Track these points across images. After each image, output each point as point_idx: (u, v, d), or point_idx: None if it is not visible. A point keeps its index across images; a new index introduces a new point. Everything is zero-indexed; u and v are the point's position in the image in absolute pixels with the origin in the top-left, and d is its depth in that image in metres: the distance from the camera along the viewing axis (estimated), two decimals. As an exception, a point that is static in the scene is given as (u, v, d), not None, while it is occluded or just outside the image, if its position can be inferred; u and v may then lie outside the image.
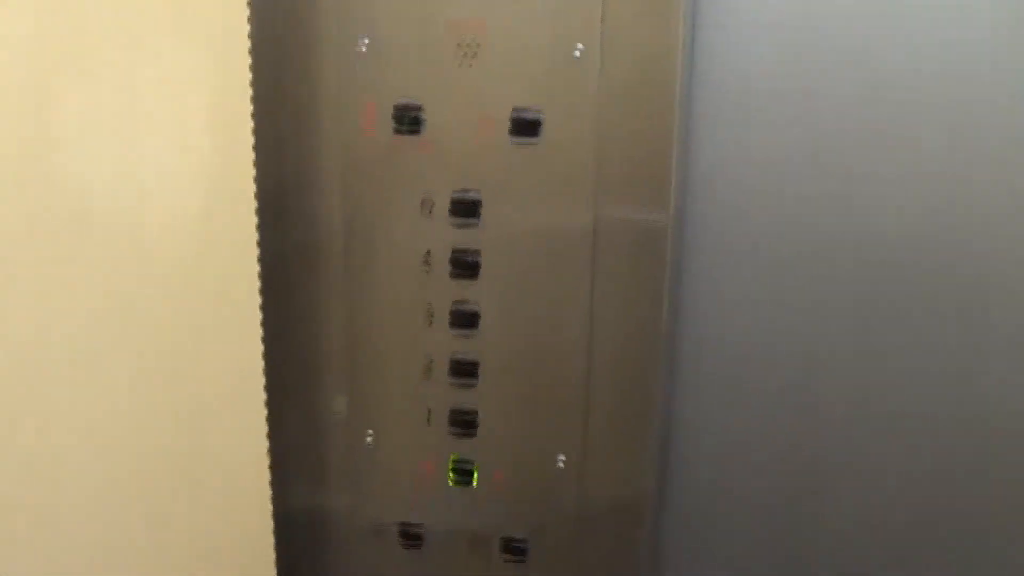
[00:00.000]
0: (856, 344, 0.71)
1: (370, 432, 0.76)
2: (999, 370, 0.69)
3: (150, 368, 0.63)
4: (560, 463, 0.73)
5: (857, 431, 0.73)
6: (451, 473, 0.75)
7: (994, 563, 0.74)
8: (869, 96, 0.67)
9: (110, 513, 0.60)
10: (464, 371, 0.73)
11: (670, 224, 0.69)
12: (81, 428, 0.57)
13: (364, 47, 0.70)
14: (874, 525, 0.74)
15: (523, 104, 0.68)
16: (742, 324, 0.73)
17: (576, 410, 0.73)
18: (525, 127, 0.68)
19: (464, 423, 0.73)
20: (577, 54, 0.67)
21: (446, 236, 0.71)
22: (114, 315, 0.59)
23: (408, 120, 0.70)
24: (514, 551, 0.75)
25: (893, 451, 0.72)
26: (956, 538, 0.73)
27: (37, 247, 0.53)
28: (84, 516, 0.58)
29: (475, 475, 0.75)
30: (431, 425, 0.74)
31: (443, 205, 0.71)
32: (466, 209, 0.70)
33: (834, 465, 0.74)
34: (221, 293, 0.69)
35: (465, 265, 0.71)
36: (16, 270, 0.52)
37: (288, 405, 0.76)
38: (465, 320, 0.72)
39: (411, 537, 0.77)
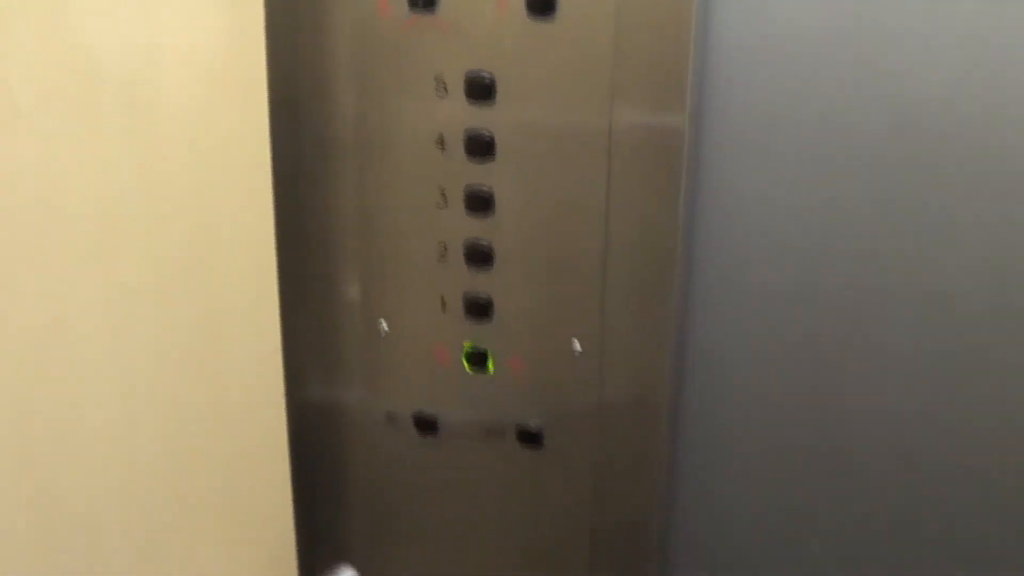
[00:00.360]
0: (881, 236, 0.71)
1: (383, 320, 0.75)
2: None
3: (159, 256, 0.62)
4: (576, 350, 0.73)
5: (881, 320, 0.72)
6: (466, 360, 0.74)
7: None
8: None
9: (119, 390, 0.60)
10: (479, 256, 0.72)
11: (688, 110, 0.68)
12: (88, 298, 0.56)
13: (376, -75, 0.69)
14: (900, 419, 0.74)
15: (539, -20, 0.67)
16: (761, 216, 0.72)
17: (593, 298, 0.72)
18: (540, 4, 0.67)
19: (479, 309, 0.73)
20: (594, -71, 0.66)
21: (461, 117, 0.70)
22: (122, 199, 0.58)
23: (423, -2, 0.68)
24: (530, 439, 0.75)
25: (922, 343, 0.72)
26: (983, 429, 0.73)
27: (46, 117, 0.52)
28: (92, 391, 0.58)
29: (490, 362, 0.74)
30: (446, 311, 0.74)
31: (458, 86, 0.69)
32: (481, 90, 0.69)
33: (857, 358, 0.73)
34: (233, 181, 0.68)
35: (480, 147, 0.70)
36: (26, 136, 0.51)
37: (301, 292, 0.75)
38: (480, 203, 0.71)
39: (426, 425, 0.76)
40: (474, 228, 0.72)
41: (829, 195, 0.71)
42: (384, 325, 0.75)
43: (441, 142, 0.71)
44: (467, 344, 0.74)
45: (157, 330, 0.62)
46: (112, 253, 0.57)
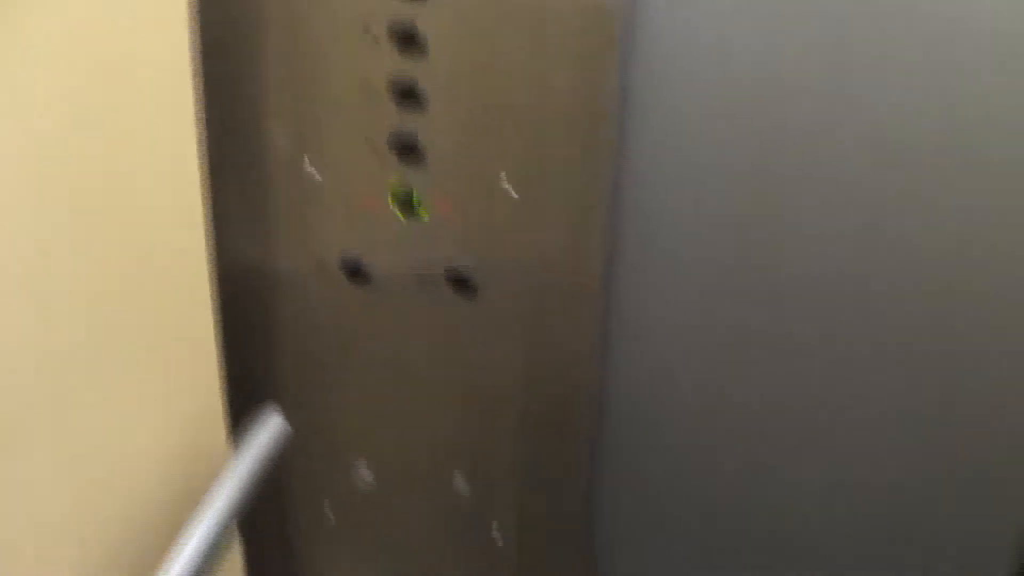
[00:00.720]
0: (820, 84, 0.70)
1: (309, 163, 0.72)
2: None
3: (72, 95, 0.58)
4: (510, 195, 0.71)
5: (815, 166, 0.71)
6: (394, 202, 0.72)
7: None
8: None
9: (34, 237, 0.57)
10: (407, 94, 0.69)
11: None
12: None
13: None
14: (835, 264, 0.73)
15: None
16: (699, 62, 0.70)
17: (527, 140, 0.70)
18: None
19: (407, 149, 0.70)
20: None
21: (387, -53, 0.66)
22: (31, 44, 0.54)
23: None
24: (463, 285, 0.74)
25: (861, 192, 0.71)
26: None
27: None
28: (7, 238, 0.54)
29: (421, 208, 0.72)
30: (373, 153, 0.71)
31: (384, -88, 0.66)
32: (408, -83, 0.65)
33: (794, 215, 0.73)
34: (149, 16, 0.64)
35: (408, -22, 0.66)
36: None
37: (223, 135, 0.72)
38: (407, 38, 0.67)
39: (357, 273, 0.74)
40: (401, 65, 0.68)
41: (771, 51, 0.69)
42: (310, 168, 0.72)
43: (366, -27, 0.67)
44: (394, 184, 0.71)
45: (72, 175, 0.58)
46: (22, 100, 0.54)
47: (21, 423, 0.56)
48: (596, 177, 0.71)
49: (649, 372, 0.79)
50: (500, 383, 0.77)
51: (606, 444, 0.81)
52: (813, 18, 0.68)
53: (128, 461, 0.65)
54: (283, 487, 0.83)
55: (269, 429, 0.70)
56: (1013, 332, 0.74)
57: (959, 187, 0.70)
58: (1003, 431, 0.76)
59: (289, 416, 0.72)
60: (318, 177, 0.72)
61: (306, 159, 0.72)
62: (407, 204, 0.72)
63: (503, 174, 0.70)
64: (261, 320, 0.77)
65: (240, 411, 0.72)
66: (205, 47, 0.69)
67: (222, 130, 0.72)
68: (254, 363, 0.79)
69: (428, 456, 0.80)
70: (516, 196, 0.71)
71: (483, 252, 0.73)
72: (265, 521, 0.83)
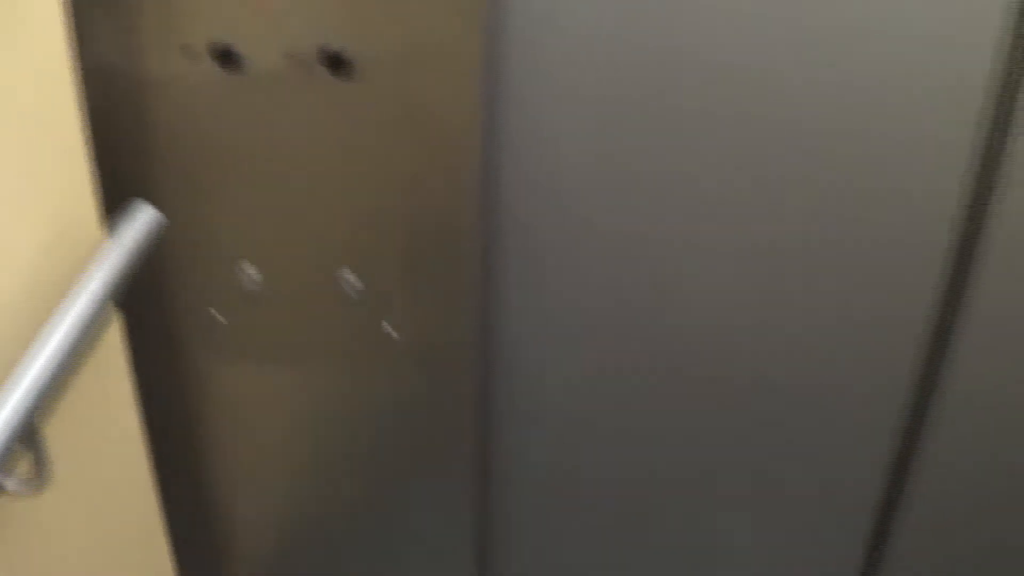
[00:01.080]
0: None
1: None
2: None
3: None
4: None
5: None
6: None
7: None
8: None
9: None
10: None
11: None
12: None
13: None
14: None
15: None
16: None
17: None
18: None
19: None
20: None
21: None
22: None
23: None
24: (340, 67, 0.71)
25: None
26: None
27: None
28: None
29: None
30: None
31: None
32: None
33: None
34: None
35: None
36: None
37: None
38: None
39: (228, 60, 0.71)
40: None
41: None
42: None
43: None
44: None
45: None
46: None
47: None
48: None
49: (539, 157, 0.77)
50: (384, 172, 0.75)
51: (500, 235, 0.80)
52: None
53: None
54: (166, 293, 0.81)
55: (140, 217, 0.67)
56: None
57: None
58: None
59: (167, 215, 0.69)
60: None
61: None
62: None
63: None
64: (130, 116, 0.74)
65: (112, 205, 0.70)
66: None
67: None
68: (126, 160, 0.76)
69: (315, 252, 0.79)
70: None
71: (357, 29, 0.70)
72: (151, 330, 0.82)
